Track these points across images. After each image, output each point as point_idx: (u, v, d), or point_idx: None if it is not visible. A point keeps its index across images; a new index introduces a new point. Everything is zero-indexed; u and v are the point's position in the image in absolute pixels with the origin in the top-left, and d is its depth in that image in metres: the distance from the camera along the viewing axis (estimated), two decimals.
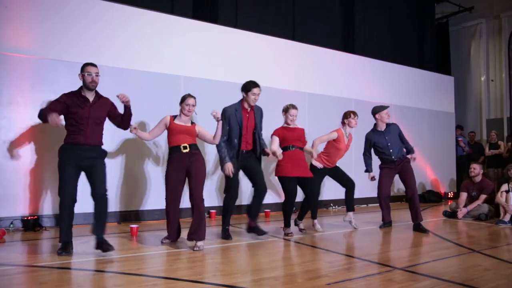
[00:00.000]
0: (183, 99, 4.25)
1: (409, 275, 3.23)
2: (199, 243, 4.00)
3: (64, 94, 3.80)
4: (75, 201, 3.74)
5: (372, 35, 9.80)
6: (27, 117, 5.15)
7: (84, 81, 3.76)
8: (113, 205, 5.53)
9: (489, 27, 11.22)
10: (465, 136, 10.59)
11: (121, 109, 3.98)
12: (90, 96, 3.80)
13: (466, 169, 7.86)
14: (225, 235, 4.58)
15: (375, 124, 5.53)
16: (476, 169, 6.43)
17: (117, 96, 3.79)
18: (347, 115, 5.26)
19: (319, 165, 5.14)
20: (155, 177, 5.91)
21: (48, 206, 5.24)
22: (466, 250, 4.17)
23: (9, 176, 5.02)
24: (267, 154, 4.64)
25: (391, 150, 5.36)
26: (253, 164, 4.58)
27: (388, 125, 5.48)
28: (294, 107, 4.86)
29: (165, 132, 4.32)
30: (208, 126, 4.49)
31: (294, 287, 2.92)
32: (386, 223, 5.53)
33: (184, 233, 4.36)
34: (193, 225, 4.03)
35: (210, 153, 6.49)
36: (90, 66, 3.77)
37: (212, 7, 7.35)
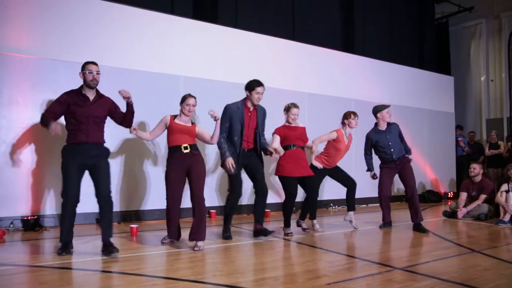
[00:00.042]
0: (184, 99, 4.25)
1: (409, 275, 3.23)
2: (199, 243, 4.00)
3: (65, 93, 3.80)
4: (78, 201, 3.74)
5: (372, 35, 9.80)
6: (27, 117, 5.15)
7: (85, 79, 3.76)
8: (113, 205, 5.52)
9: (489, 27, 11.22)
10: (465, 136, 10.60)
11: (123, 108, 3.97)
12: (91, 95, 3.80)
13: (466, 169, 7.86)
14: (226, 235, 4.58)
15: (376, 124, 5.54)
16: (476, 169, 6.43)
17: (119, 92, 3.78)
18: (347, 116, 5.25)
19: (319, 165, 5.14)
20: (155, 177, 5.91)
21: (48, 206, 5.24)
22: (466, 250, 4.17)
23: (9, 176, 5.02)
24: (270, 154, 4.60)
25: (392, 150, 5.37)
26: (254, 163, 4.57)
27: (389, 124, 5.49)
28: (295, 106, 4.86)
29: (165, 132, 4.32)
30: (208, 126, 4.48)
31: (294, 287, 2.92)
32: (386, 223, 5.53)
33: (184, 233, 4.37)
34: (194, 225, 4.03)
35: (210, 153, 6.50)
36: (91, 64, 3.77)
37: (212, 7, 7.36)
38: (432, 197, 9.15)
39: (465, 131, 10.85)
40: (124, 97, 3.81)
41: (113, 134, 5.00)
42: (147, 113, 5.62)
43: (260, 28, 7.47)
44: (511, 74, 10.75)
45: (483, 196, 6.28)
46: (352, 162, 7.23)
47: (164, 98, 5.90)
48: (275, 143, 4.77)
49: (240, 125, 4.43)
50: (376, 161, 5.61)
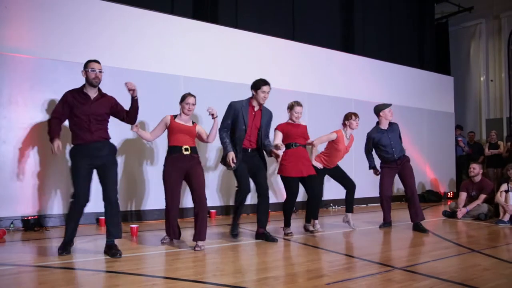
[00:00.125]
0: (183, 98, 4.25)
1: (409, 275, 3.23)
2: (200, 243, 4.00)
3: (67, 92, 3.80)
4: (88, 201, 3.74)
5: (371, 35, 9.80)
6: (27, 117, 5.16)
7: (87, 78, 3.75)
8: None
9: (489, 27, 11.23)
10: (464, 136, 10.60)
11: (126, 107, 3.96)
12: (92, 93, 3.78)
13: (466, 169, 7.87)
14: (234, 233, 4.57)
15: (377, 123, 5.54)
16: (476, 169, 6.44)
17: (125, 83, 3.76)
18: (348, 117, 5.25)
19: (319, 165, 5.14)
20: (155, 177, 5.90)
21: (49, 206, 5.24)
22: (465, 250, 4.18)
23: (10, 176, 5.03)
24: (277, 156, 4.55)
25: (393, 149, 5.38)
26: (257, 163, 4.54)
27: (390, 124, 5.50)
28: (299, 104, 4.85)
29: (165, 132, 4.32)
30: (209, 126, 4.47)
31: (294, 286, 2.92)
32: (386, 223, 5.53)
33: (185, 233, 4.37)
34: (197, 225, 4.02)
35: (210, 153, 6.50)
36: (94, 62, 3.76)
37: (212, 7, 7.36)
38: (432, 197, 9.16)
39: (464, 131, 10.86)
40: (129, 89, 3.78)
41: (113, 134, 4.93)
42: (147, 113, 5.59)
43: (260, 28, 7.47)
44: (510, 74, 10.75)
45: (482, 196, 6.29)
46: (352, 162, 7.24)
47: (164, 98, 5.89)
48: (277, 139, 4.75)
49: (243, 123, 4.41)
50: (376, 161, 5.62)
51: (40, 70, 5.28)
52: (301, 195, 5.06)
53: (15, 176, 5.05)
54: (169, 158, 4.17)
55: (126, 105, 3.97)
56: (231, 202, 6.66)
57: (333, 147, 5.21)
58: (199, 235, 4.00)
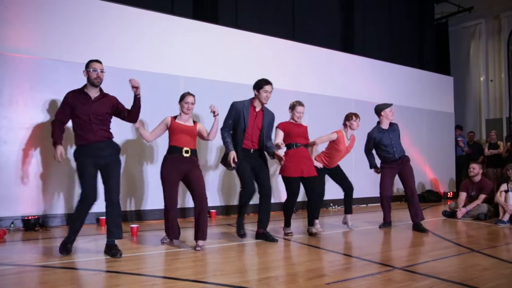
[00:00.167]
0: (182, 97, 4.25)
1: (409, 275, 3.24)
2: (201, 243, 4.01)
3: (69, 92, 3.80)
4: (96, 199, 3.74)
5: (371, 35, 9.81)
6: (27, 117, 5.16)
7: (89, 77, 3.75)
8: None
9: (489, 27, 11.23)
10: (464, 136, 10.61)
11: (126, 106, 3.96)
12: (94, 93, 3.78)
13: (466, 169, 7.88)
14: (240, 233, 4.56)
15: (378, 122, 5.55)
16: (476, 169, 6.44)
17: (129, 80, 3.76)
18: (348, 117, 5.25)
19: (319, 164, 5.15)
20: (156, 177, 5.84)
21: (49, 206, 5.24)
22: (465, 249, 4.19)
23: (10, 176, 5.03)
24: (280, 159, 4.53)
25: (394, 149, 5.40)
26: (259, 163, 4.54)
27: (391, 124, 5.51)
28: (301, 104, 4.83)
29: (165, 132, 4.32)
30: (209, 126, 4.48)
31: (294, 286, 2.93)
32: (386, 222, 5.54)
33: (185, 233, 4.37)
34: (197, 225, 4.01)
35: (211, 154, 6.51)
36: (96, 62, 3.77)
37: (212, 7, 7.36)
38: (432, 197, 9.17)
39: (464, 131, 10.87)
40: (132, 86, 3.78)
41: (113, 134, 4.99)
42: (147, 113, 5.56)
43: (260, 28, 7.48)
44: (510, 74, 10.76)
45: (482, 196, 6.30)
46: (352, 162, 7.24)
47: (164, 99, 5.90)
48: (278, 138, 4.73)
49: (244, 123, 4.42)
50: (376, 161, 5.62)
51: (40, 70, 5.29)
52: (301, 195, 5.06)
53: (16, 176, 5.05)
54: (168, 157, 4.17)
55: (126, 105, 3.97)
56: (231, 202, 6.67)
57: (334, 148, 5.22)
58: (201, 235, 4.00)
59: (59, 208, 5.31)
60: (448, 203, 7.52)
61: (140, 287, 2.86)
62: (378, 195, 5.57)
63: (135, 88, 3.81)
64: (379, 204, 5.64)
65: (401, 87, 9.24)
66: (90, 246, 4.14)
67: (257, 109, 4.52)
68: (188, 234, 4.54)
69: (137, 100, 3.88)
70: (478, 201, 6.30)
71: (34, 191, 5.15)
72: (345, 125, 5.29)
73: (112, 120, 3.96)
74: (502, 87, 10.92)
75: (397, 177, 5.57)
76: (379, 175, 5.57)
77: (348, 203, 5.35)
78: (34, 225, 4.96)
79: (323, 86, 7.97)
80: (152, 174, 5.96)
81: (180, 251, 4.00)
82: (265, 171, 4.56)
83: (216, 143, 6.49)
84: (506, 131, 10.62)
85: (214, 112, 4.20)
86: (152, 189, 5.94)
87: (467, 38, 11.64)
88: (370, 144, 5.55)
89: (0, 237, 4.41)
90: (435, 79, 10.17)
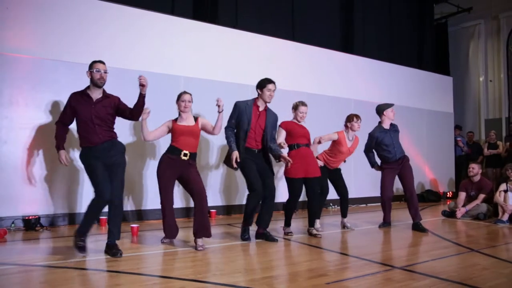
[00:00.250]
0: (178, 97, 4.24)
1: (408, 274, 3.25)
2: (201, 242, 4.02)
3: (72, 94, 3.81)
4: (110, 198, 3.69)
5: (371, 35, 9.82)
6: (27, 117, 5.16)
7: (92, 78, 3.75)
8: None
9: (488, 28, 11.24)
10: (463, 136, 10.62)
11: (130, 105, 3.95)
12: (96, 95, 3.78)
13: (465, 169, 7.89)
14: (245, 237, 4.51)
15: (379, 122, 5.55)
16: (475, 169, 6.46)
17: (139, 77, 3.74)
18: (349, 119, 5.25)
19: (319, 163, 5.15)
20: (156, 177, 5.92)
21: (49, 206, 5.25)
22: (465, 249, 4.20)
23: (10, 176, 5.04)
24: (287, 161, 4.48)
25: (395, 149, 5.42)
26: (264, 164, 4.52)
27: (392, 124, 5.53)
28: (303, 104, 4.81)
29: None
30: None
31: (294, 286, 2.94)
32: (386, 222, 5.55)
33: (185, 232, 4.38)
34: (197, 223, 4.01)
35: (211, 154, 6.51)
36: (99, 63, 3.76)
37: (212, 7, 7.37)
38: (431, 197, 9.18)
39: (464, 131, 10.88)
40: (140, 84, 3.76)
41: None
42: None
43: (260, 28, 7.49)
44: (509, 75, 10.77)
45: (481, 196, 6.31)
46: (352, 162, 7.24)
47: (164, 99, 5.86)
48: (280, 137, 4.72)
49: (247, 123, 4.40)
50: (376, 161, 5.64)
51: (40, 70, 5.29)
52: (302, 195, 5.06)
53: (17, 176, 5.06)
54: (166, 156, 4.17)
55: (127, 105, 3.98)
56: (231, 202, 6.68)
57: (336, 148, 5.23)
58: (204, 232, 4.00)
59: (60, 208, 5.32)
60: (448, 203, 7.53)
61: (140, 286, 2.87)
62: (378, 195, 5.59)
63: (142, 86, 3.78)
64: (379, 204, 5.65)
65: (400, 87, 9.25)
66: (90, 245, 4.13)
67: (260, 109, 4.52)
68: (189, 234, 4.54)
69: (141, 98, 3.84)
70: (477, 201, 6.31)
71: (34, 191, 5.16)
72: (346, 126, 5.29)
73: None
74: (501, 87, 10.94)
75: (396, 177, 5.58)
76: (380, 174, 5.58)
77: (344, 208, 5.42)
78: (34, 225, 4.97)
79: (323, 86, 7.98)
80: (152, 174, 5.90)
81: (180, 250, 4.01)
82: (270, 173, 4.55)
83: (217, 143, 6.51)
84: (505, 131, 10.63)
85: (219, 107, 4.13)
86: (152, 189, 5.94)
87: (466, 38, 11.66)
88: (372, 143, 5.55)
89: (0, 237, 4.42)
90: (435, 79, 10.19)
